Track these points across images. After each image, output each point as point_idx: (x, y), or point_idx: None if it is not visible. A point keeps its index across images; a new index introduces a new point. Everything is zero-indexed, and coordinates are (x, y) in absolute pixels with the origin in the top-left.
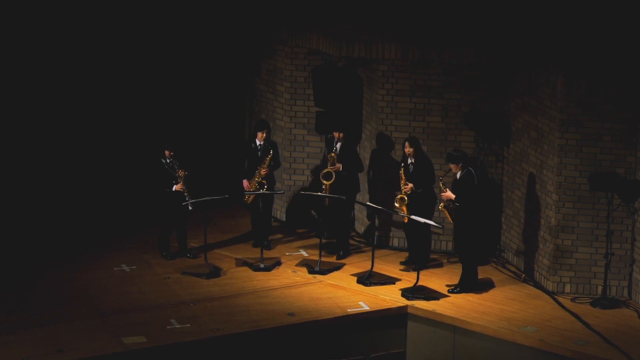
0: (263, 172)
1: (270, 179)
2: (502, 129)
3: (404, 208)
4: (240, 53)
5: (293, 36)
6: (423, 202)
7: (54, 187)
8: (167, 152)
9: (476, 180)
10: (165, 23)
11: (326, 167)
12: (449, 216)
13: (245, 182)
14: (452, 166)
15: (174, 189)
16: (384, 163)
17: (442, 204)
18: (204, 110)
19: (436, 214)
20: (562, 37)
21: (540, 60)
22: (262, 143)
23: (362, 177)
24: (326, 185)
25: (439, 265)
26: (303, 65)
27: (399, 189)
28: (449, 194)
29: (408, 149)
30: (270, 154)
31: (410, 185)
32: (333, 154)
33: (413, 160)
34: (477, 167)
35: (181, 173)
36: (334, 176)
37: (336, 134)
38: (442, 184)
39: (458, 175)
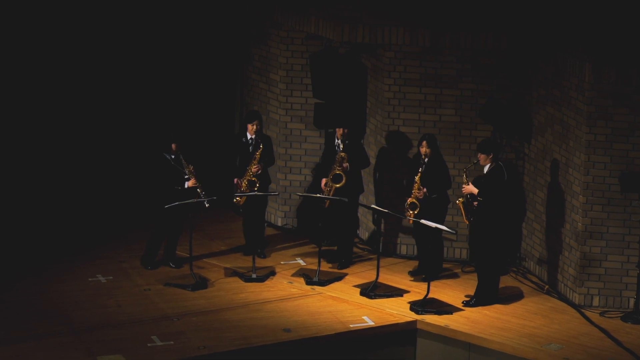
0: (254, 169)
1: (264, 178)
2: (522, 123)
3: (413, 214)
4: (229, 37)
5: (289, 19)
6: (434, 205)
7: (23, 190)
8: (174, 147)
9: (506, 177)
10: (148, 5)
11: (334, 169)
12: (464, 214)
13: (236, 181)
14: (480, 156)
15: (186, 186)
16: (392, 161)
17: (461, 199)
18: (189, 101)
19: (449, 217)
20: (590, 19)
21: (565, 46)
22: (253, 137)
23: (367, 178)
24: (332, 187)
25: (453, 275)
26: (300, 51)
27: (409, 192)
28: (471, 188)
29: (425, 149)
30: (260, 148)
31: (424, 190)
32: (343, 154)
33: (426, 160)
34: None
35: (191, 168)
36: (344, 178)
37: (340, 131)
38: (465, 175)
39: (485, 169)
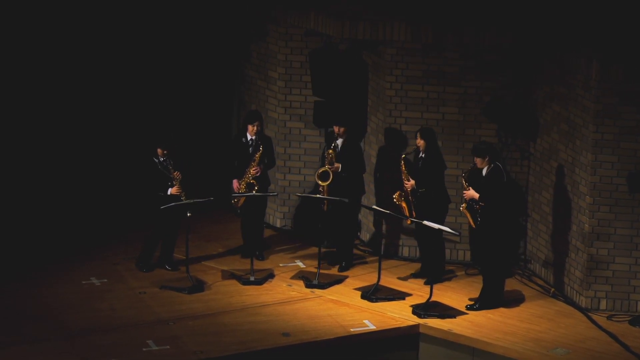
0: (253, 171)
1: (263, 179)
2: (528, 122)
3: (404, 204)
4: (227, 34)
5: (288, 14)
6: (433, 204)
7: (15, 189)
8: (159, 151)
9: (505, 177)
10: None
11: (323, 166)
12: (470, 219)
13: (235, 183)
14: (477, 160)
15: (169, 192)
16: (393, 161)
17: (464, 205)
18: (186, 100)
19: (452, 218)
20: (597, 15)
21: (571, 43)
22: (253, 137)
23: (368, 178)
24: (323, 186)
25: (456, 278)
26: (299, 48)
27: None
28: (472, 193)
29: (419, 141)
30: (260, 150)
31: (412, 182)
32: (331, 151)
33: (423, 155)
34: (505, 164)
35: (176, 175)
36: (331, 176)
37: (336, 129)
38: (465, 181)
39: (484, 172)
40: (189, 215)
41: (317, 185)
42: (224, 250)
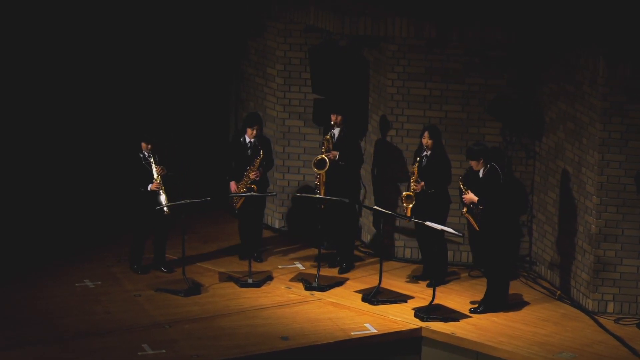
0: (252, 175)
1: (262, 181)
2: (533, 120)
3: (410, 208)
4: (224, 30)
5: (287, 10)
6: (435, 204)
7: (11, 190)
8: (144, 145)
9: (502, 178)
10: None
11: (320, 153)
12: (474, 223)
13: (233, 185)
14: (472, 163)
15: (149, 188)
16: (394, 160)
17: (465, 209)
18: (181, 97)
19: (455, 219)
20: (604, 11)
21: (578, 39)
22: (252, 140)
23: (368, 177)
24: (320, 175)
25: (459, 280)
26: (298, 44)
27: (408, 186)
28: (471, 196)
29: (427, 140)
30: (260, 155)
31: (422, 183)
32: (329, 137)
33: (428, 154)
34: (504, 164)
35: (158, 170)
36: (328, 164)
37: (333, 117)
38: (462, 184)
39: (480, 174)
40: (166, 213)
41: (316, 186)
42: (221, 252)
